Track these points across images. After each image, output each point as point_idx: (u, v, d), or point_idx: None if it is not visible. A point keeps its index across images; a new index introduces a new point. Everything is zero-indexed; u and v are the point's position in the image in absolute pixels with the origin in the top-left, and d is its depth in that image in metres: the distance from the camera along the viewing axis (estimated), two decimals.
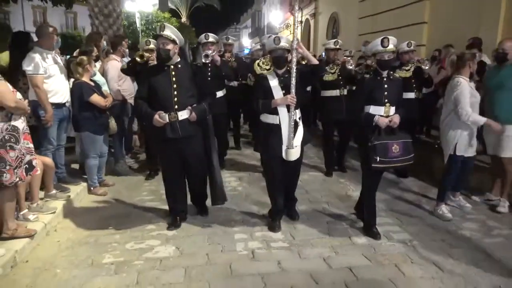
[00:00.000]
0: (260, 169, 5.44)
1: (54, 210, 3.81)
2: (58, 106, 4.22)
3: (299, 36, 22.25)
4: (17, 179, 3.12)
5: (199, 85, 3.65)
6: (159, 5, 19.75)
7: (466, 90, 3.81)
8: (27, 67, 3.95)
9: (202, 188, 4.01)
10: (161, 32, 3.44)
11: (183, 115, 3.51)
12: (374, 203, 3.68)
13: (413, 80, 5.25)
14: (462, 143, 3.94)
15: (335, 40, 5.61)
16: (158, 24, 14.31)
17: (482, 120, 3.88)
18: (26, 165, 3.17)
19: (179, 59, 3.57)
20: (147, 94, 3.55)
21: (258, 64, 5.29)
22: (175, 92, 3.49)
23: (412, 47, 5.34)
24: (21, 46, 4.22)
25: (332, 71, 5.34)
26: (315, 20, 18.77)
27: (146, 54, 4.54)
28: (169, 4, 25.03)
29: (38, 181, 3.75)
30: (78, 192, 4.49)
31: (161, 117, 3.43)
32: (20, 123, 3.10)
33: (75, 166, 5.33)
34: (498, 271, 3.01)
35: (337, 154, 5.80)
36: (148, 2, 17.21)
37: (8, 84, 2.96)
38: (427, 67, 5.32)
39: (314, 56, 9.01)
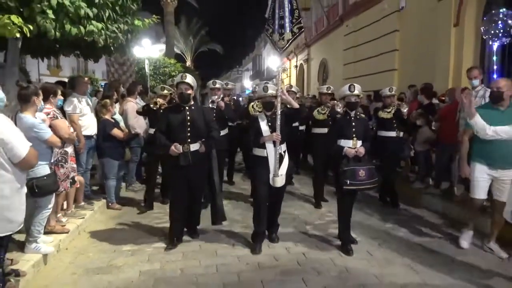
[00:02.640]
0: (246, 193, 6.61)
1: (83, 216, 4.97)
2: (88, 137, 5.45)
3: (294, 79, 24.03)
4: (62, 189, 4.30)
5: (207, 123, 4.31)
6: (166, 51, 21.61)
7: None
8: (67, 108, 5.24)
9: (198, 209, 4.64)
10: (185, 80, 4.19)
11: (194, 147, 4.19)
12: (347, 221, 4.35)
13: (394, 121, 5.89)
14: None
15: (328, 86, 6.43)
16: (172, 71, 15.64)
17: None
18: (70, 180, 4.38)
19: (193, 102, 4.33)
20: (165, 129, 4.23)
21: (252, 106, 6.53)
22: (189, 128, 4.18)
23: (393, 92, 5.99)
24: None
25: (323, 112, 6.01)
26: (308, 65, 20.52)
27: (159, 101, 5.49)
28: (175, 49, 27.13)
29: (73, 194, 4.93)
30: (100, 206, 5.64)
31: (176, 148, 4.09)
32: (70, 149, 4.35)
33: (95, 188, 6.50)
34: (413, 254, 4.12)
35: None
36: (155, 48, 19.01)
37: (66, 121, 4.22)
38: (405, 110, 5.98)
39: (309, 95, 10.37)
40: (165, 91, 5.95)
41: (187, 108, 4.25)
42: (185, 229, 4.64)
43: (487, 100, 5.18)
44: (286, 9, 4.22)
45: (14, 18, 3.64)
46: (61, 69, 31.09)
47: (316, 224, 5.12)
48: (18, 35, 3.76)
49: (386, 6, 11.13)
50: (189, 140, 4.17)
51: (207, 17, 61.87)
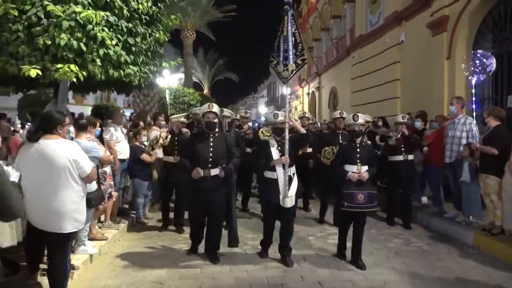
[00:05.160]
0: (256, 212, 7.32)
1: (118, 228, 5.84)
2: (122, 161, 6.39)
3: (307, 106, 24.99)
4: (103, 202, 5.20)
5: (228, 150, 4.65)
6: (185, 81, 22.98)
7: None
8: (106, 136, 6.22)
9: (218, 233, 4.80)
10: (212, 109, 4.56)
11: (214, 171, 4.51)
12: (344, 239, 4.84)
13: (402, 145, 6.33)
14: None
15: (340, 111, 6.81)
16: (191, 100, 16.54)
17: None
18: (108, 194, 5.28)
19: (217, 129, 4.70)
20: (190, 154, 4.62)
21: (262, 132, 7.32)
22: (211, 154, 4.51)
23: (405, 120, 6.53)
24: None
25: (328, 157, 6.39)
26: (319, 92, 21.49)
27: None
28: (193, 78, 28.64)
29: (110, 209, 5.82)
30: (130, 220, 6.51)
31: (198, 172, 4.45)
32: (108, 169, 5.28)
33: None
34: (399, 260, 4.81)
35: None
36: (174, 77, 20.37)
37: (103, 146, 5.17)
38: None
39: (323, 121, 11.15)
40: (183, 119, 6.61)
41: (211, 135, 4.61)
42: (206, 253, 4.85)
43: (468, 127, 5.95)
44: (290, 43, 4.63)
45: (72, 67, 4.65)
46: (85, 97, 32.75)
47: (318, 236, 5.86)
48: (74, 79, 4.76)
49: (387, 39, 12.05)
50: (209, 165, 4.50)
51: (223, 47, 64.50)
